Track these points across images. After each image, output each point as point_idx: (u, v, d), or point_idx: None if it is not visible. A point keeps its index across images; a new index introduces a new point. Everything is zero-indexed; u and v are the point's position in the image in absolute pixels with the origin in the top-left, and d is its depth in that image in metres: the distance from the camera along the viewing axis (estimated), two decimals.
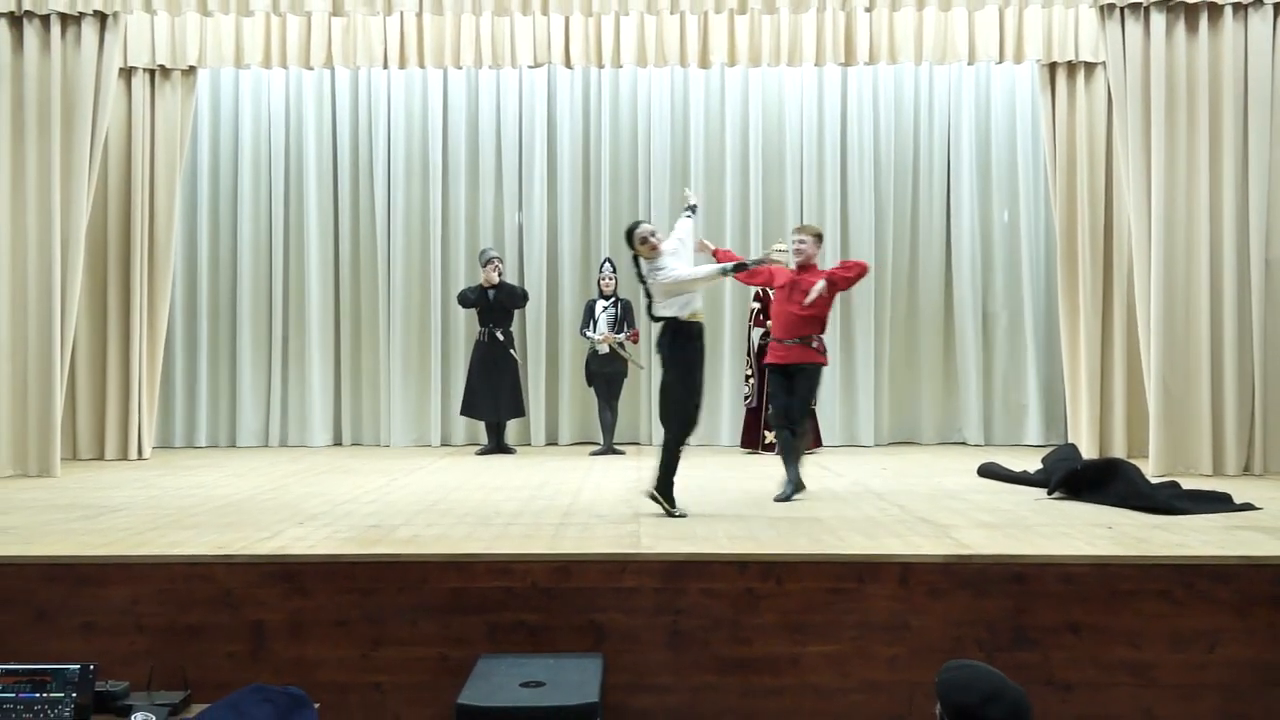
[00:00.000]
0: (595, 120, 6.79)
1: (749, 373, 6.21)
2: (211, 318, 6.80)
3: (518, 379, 6.32)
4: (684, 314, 3.76)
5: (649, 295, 3.81)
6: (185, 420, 6.75)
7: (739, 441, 6.36)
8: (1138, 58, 5.13)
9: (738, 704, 2.98)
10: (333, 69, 6.36)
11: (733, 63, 5.99)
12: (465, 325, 6.71)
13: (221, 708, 2.43)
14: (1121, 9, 5.14)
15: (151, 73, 5.99)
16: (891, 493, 4.44)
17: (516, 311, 6.35)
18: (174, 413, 6.73)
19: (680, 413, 3.75)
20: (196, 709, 2.53)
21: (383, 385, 6.74)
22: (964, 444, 6.58)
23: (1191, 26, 5.15)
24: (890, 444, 6.70)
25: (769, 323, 6.28)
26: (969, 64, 6.21)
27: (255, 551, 3.15)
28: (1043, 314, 6.72)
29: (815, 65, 6.14)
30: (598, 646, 2.97)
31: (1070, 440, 5.81)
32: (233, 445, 6.70)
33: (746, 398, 6.26)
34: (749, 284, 5.30)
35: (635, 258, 3.89)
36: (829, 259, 6.92)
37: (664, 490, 3.76)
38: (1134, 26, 5.14)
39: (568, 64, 6.00)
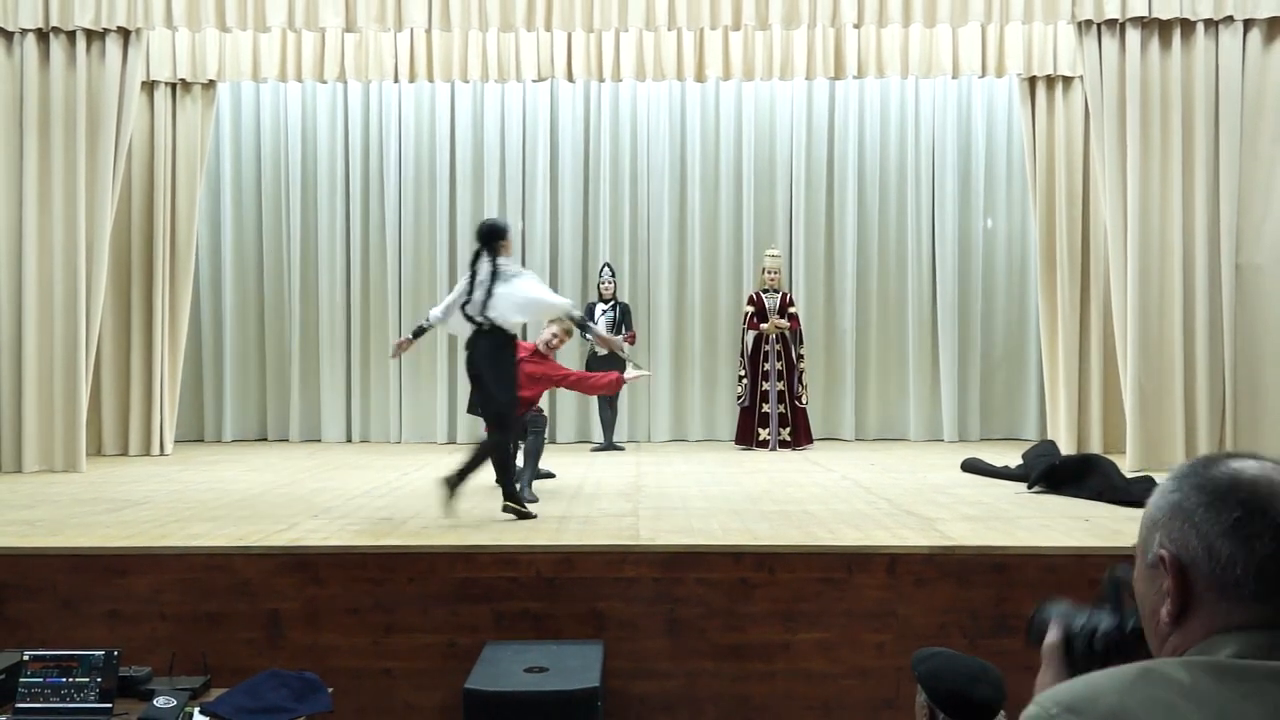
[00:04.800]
0: (595, 131, 6.92)
1: (742, 374, 6.37)
2: (238, 320, 6.94)
3: None
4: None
5: (489, 295, 3.64)
6: (213, 416, 6.94)
7: (734, 439, 6.53)
8: (1114, 71, 5.21)
9: (732, 689, 3.05)
10: (345, 83, 6.52)
11: (727, 77, 6.14)
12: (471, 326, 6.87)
13: (240, 692, 2.50)
14: (1099, 25, 5.22)
15: (173, 86, 6.14)
16: (879, 487, 4.54)
17: None
18: (203, 410, 6.92)
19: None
20: (216, 693, 2.56)
21: (392, 384, 6.88)
22: (950, 441, 6.70)
23: (1165, 42, 5.24)
24: (877, 439, 6.84)
25: (763, 325, 6.47)
26: (952, 78, 6.38)
27: (272, 543, 3.23)
28: (1016, 316, 6.89)
29: (806, 79, 6.29)
30: (599, 634, 3.05)
31: (1049, 437, 5.91)
32: (263, 439, 6.88)
33: (740, 397, 6.42)
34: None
35: (482, 253, 3.70)
36: (823, 267, 7.10)
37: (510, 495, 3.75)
38: (1110, 42, 5.22)
39: (570, 78, 6.15)
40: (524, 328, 6.69)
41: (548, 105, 6.89)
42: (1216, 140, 5.23)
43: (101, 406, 6.03)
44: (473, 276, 3.74)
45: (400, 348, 4.15)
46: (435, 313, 3.99)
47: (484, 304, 3.67)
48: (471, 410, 6.49)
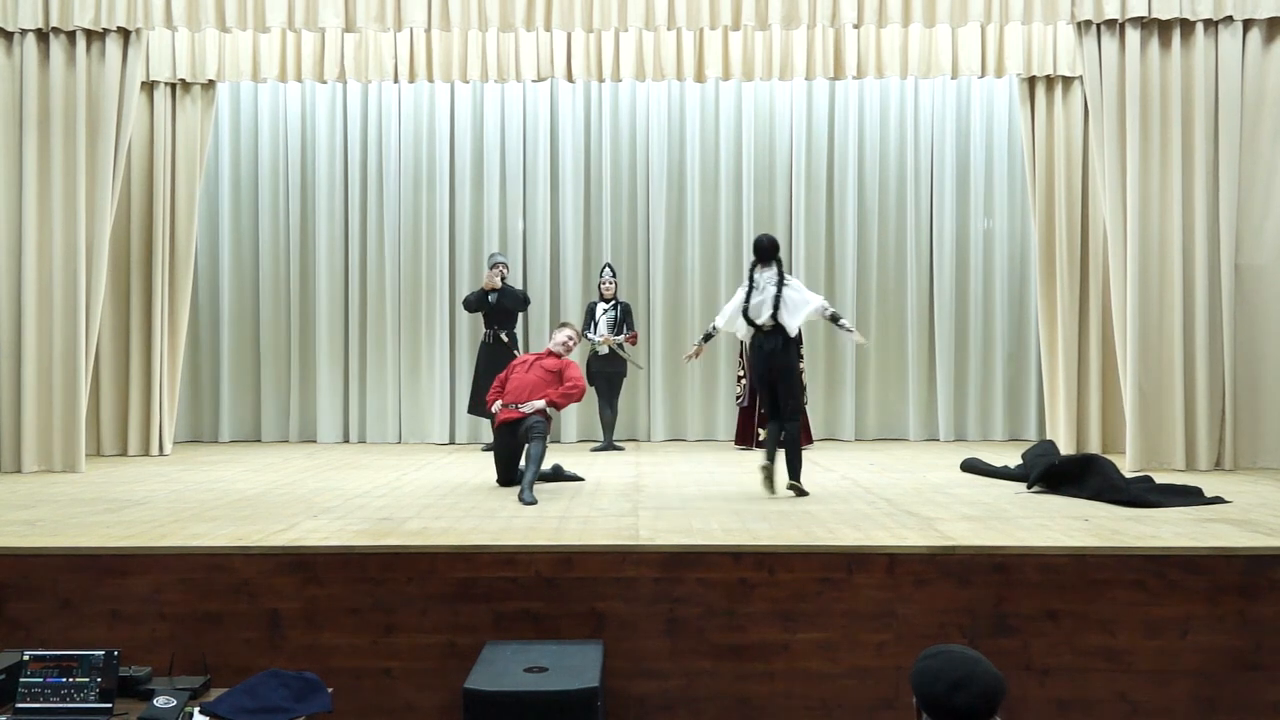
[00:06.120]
0: (595, 132, 6.94)
1: (741, 374, 6.38)
2: (235, 320, 6.96)
3: None
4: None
5: (779, 300, 4.23)
6: (211, 417, 6.96)
7: (733, 439, 6.53)
8: (1114, 72, 5.23)
9: (732, 689, 3.07)
10: (345, 83, 6.53)
11: (727, 77, 6.14)
12: (469, 327, 6.85)
13: (239, 692, 2.51)
14: (1098, 25, 5.24)
15: (173, 86, 6.15)
16: (879, 486, 4.57)
17: (520, 314, 6.51)
18: (201, 410, 6.94)
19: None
20: (216, 693, 2.58)
21: (390, 384, 6.88)
22: (948, 440, 6.73)
23: (1165, 42, 5.26)
24: (876, 440, 6.85)
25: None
26: (952, 78, 6.38)
27: (272, 543, 3.24)
28: (1015, 317, 6.90)
29: (805, 79, 6.30)
30: (598, 634, 3.07)
31: (1048, 437, 5.93)
32: (258, 440, 6.88)
33: (739, 398, 6.43)
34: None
35: (758, 264, 4.30)
36: (823, 267, 7.11)
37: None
38: (1110, 42, 5.24)
39: (569, 78, 6.14)
40: (521, 327, 6.72)
41: (548, 105, 6.90)
42: (1216, 140, 5.25)
43: (101, 407, 6.05)
44: (751, 284, 4.33)
45: (696, 353, 4.65)
46: (719, 321, 4.49)
47: (774, 308, 4.25)
48: (473, 411, 6.55)
